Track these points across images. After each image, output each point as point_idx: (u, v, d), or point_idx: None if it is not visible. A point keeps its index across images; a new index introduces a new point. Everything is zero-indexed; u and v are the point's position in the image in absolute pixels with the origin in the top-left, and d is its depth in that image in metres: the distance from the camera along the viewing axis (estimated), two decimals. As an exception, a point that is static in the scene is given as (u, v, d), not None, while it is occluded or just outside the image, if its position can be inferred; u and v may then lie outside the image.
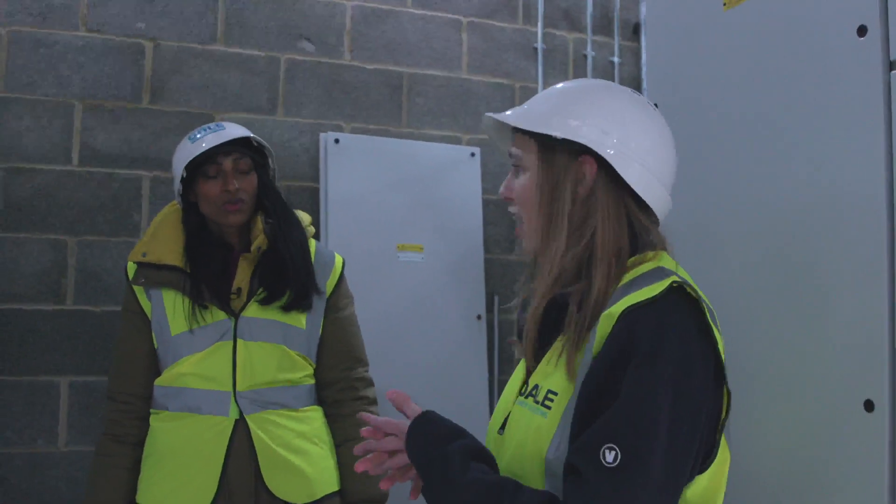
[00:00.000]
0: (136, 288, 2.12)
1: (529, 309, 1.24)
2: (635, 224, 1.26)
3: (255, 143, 2.17)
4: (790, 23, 1.90)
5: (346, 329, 2.23)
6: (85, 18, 3.34)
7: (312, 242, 2.23)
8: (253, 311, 2.10)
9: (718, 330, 1.19)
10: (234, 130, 2.13)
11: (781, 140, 1.90)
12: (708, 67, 2.13)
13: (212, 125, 2.12)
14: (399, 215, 3.64)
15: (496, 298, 3.85)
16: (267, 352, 2.10)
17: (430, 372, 3.53)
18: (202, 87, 3.50)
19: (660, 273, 1.21)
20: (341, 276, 2.24)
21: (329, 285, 2.21)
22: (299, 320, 2.14)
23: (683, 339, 1.13)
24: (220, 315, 2.09)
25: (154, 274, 2.12)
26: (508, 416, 1.31)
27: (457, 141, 3.89)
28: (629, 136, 1.25)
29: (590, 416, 1.12)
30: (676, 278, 1.18)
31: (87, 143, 3.32)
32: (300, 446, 2.14)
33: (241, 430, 2.08)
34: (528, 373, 1.30)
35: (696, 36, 2.17)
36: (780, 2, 1.94)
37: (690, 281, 1.23)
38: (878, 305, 1.65)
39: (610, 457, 1.06)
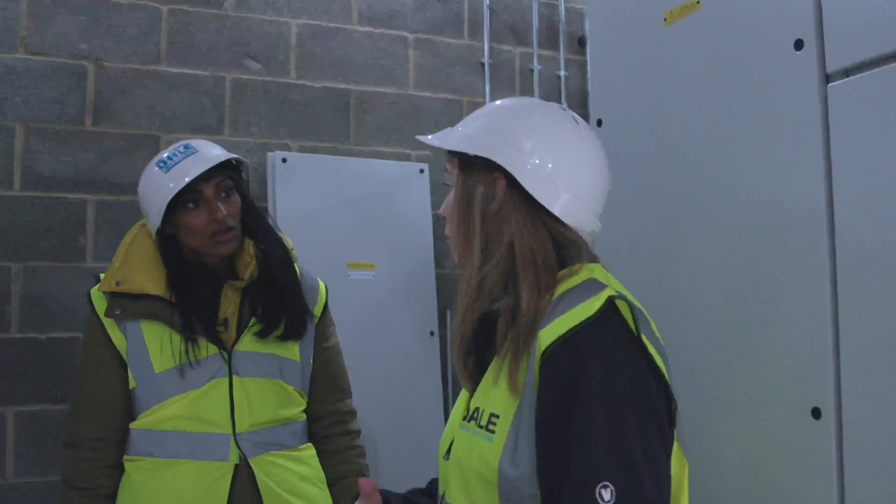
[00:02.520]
0: (105, 320, 1.95)
1: (453, 326, 1.26)
2: (557, 238, 1.25)
3: (235, 162, 2.03)
4: (729, 37, 1.91)
5: (334, 359, 2.14)
6: (25, 41, 3.30)
7: (296, 267, 2.13)
8: (247, 344, 1.98)
9: (657, 338, 1.19)
10: (210, 152, 1.98)
11: (724, 154, 1.91)
12: (650, 82, 2.13)
13: (181, 148, 1.96)
14: (349, 233, 3.61)
15: (449, 313, 3.85)
16: (264, 388, 1.98)
17: (383, 389, 3.51)
18: (148, 108, 3.48)
19: (593, 286, 1.19)
20: (326, 302, 2.15)
21: (317, 312, 2.12)
22: (293, 352, 2.04)
23: (630, 357, 1.12)
24: (212, 350, 1.95)
25: (132, 305, 1.94)
26: (453, 441, 1.30)
27: (406, 157, 3.89)
28: (555, 158, 1.25)
29: (553, 447, 1.11)
30: (612, 291, 1.17)
31: (29, 166, 3.28)
32: (304, 490, 2.03)
33: (242, 476, 1.94)
34: (472, 396, 1.29)
35: (638, 51, 2.17)
36: (720, 17, 1.94)
37: (624, 291, 1.22)
38: (822, 313, 1.66)
39: (607, 495, 1.06)
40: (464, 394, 1.34)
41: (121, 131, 3.43)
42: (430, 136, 1.34)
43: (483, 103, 4.01)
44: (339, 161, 3.70)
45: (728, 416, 1.84)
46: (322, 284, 2.16)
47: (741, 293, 1.84)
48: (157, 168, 1.95)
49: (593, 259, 1.28)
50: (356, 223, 3.64)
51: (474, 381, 1.26)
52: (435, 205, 3.85)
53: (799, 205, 1.72)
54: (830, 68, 1.68)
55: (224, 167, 1.98)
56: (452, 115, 4.00)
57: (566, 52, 4.18)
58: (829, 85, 1.68)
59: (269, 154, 3.61)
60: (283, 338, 2.00)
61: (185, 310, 1.93)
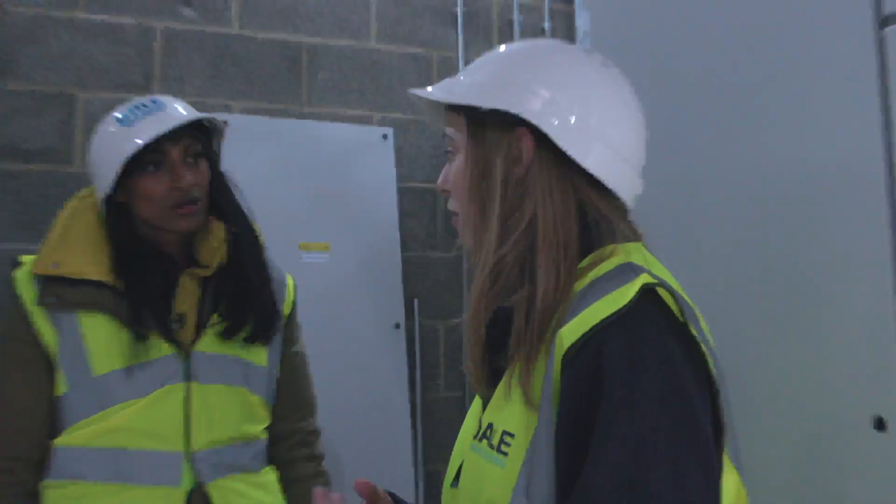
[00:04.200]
0: (34, 309, 1.84)
1: (464, 319, 1.21)
2: (590, 212, 1.21)
3: (208, 124, 1.97)
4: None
5: (301, 368, 2.11)
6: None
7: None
8: (208, 344, 1.92)
9: (706, 336, 1.16)
10: (178, 110, 1.92)
11: (759, 110, 1.89)
12: (660, 27, 2.12)
13: (146, 101, 1.91)
14: (300, 209, 3.64)
15: (416, 303, 3.86)
16: (227, 398, 1.92)
17: (341, 392, 3.52)
18: (61, 61, 3.42)
19: (626, 272, 1.15)
20: (295, 300, 2.11)
21: (285, 310, 2.07)
22: (260, 356, 1.99)
23: (666, 361, 1.07)
24: (166, 349, 1.87)
25: (69, 292, 1.85)
26: (462, 464, 1.25)
27: (367, 121, 3.89)
28: (583, 104, 1.22)
29: (574, 475, 1.06)
30: (648, 277, 1.12)
31: (-81, 128, 3.30)
32: None
33: None
34: (485, 407, 1.25)
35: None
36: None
37: (668, 277, 1.18)
38: (883, 303, 1.62)
39: None
40: (477, 403, 1.31)
41: (27, 88, 3.38)
42: (428, 88, 1.30)
43: (455, 58, 4.03)
44: (288, 125, 3.72)
45: (774, 428, 1.83)
46: (290, 280, 2.13)
47: (783, 281, 1.81)
48: (115, 121, 1.90)
49: (631, 237, 1.24)
50: (309, 198, 3.67)
51: (489, 389, 1.23)
52: (401, 176, 3.86)
53: (851, 169, 1.69)
54: (888, 10, 1.67)
55: (194, 129, 1.94)
56: (420, 72, 3.99)
57: (550, 2, 4.21)
58: (886, 29, 1.67)
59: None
60: (250, 340, 1.96)
61: (134, 299, 1.86)
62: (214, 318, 1.93)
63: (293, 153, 3.65)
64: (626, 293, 1.10)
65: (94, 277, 1.86)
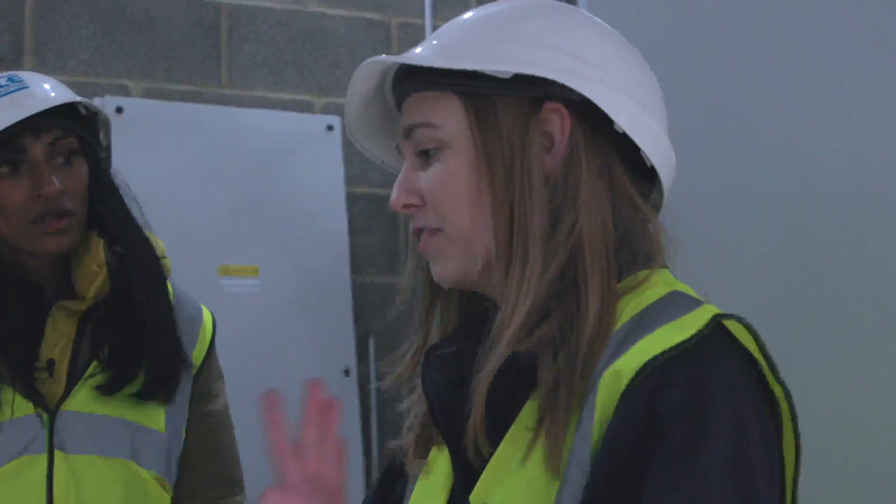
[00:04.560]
0: None
1: (481, 375, 1.17)
2: (625, 213, 1.22)
3: (84, 111, 1.94)
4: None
5: (220, 432, 2.06)
6: None
7: (168, 286, 2.05)
8: (82, 401, 1.89)
9: (779, 378, 1.16)
10: (44, 90, 1.91)
11: (802, 98, 2.02)
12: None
13: (3, 79, 1.89)
14: (220, 222, 3.57)
15: (371, 342, 3.85)
16: (105, 473, 1.89)
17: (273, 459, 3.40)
18: None
19: (682, 300, 1.16)
20: (213, 341, 2.08)
21: (196, 358, 2.03)
22: (156, 419, 1.95)
23: (732, 404, 1.09)
24: (23, 408, 1.86)
25: None
26: None
27: (306, 108, 3.87)
28: (610, 60, 1.24)
29: None
30: (715, 309, 1.13)
31: None
32: None
33: None
34: (466, 481, 1.22)
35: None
36: None
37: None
38: None
39: None
40: (436, 477, 1.29)
41: None
42: (417, 49, 1.26)
43: (421, 25, 4.05)
44: (202, 112, 3.67)
45: (851, 454, 1.98)
46: (208, 315, 2.09)
47: (843, 287, 1.96)
48: None
49: (658, 249, 1.25)
50: (231, 208, 3.59)
51: (479, 458, 1.21)
52: (351, 179, 3.83)
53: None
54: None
55: (67, 118, 1.89)
56: (376, 42, 4.02)
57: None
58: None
59: (96, 100, 3.36)
60: (142, 396, 1.91)
61: None
62: (93, 366, 1.89)
63: (210, 149, 3.60)
64: (693, 322, 1.11)
65: None
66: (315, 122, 3.82)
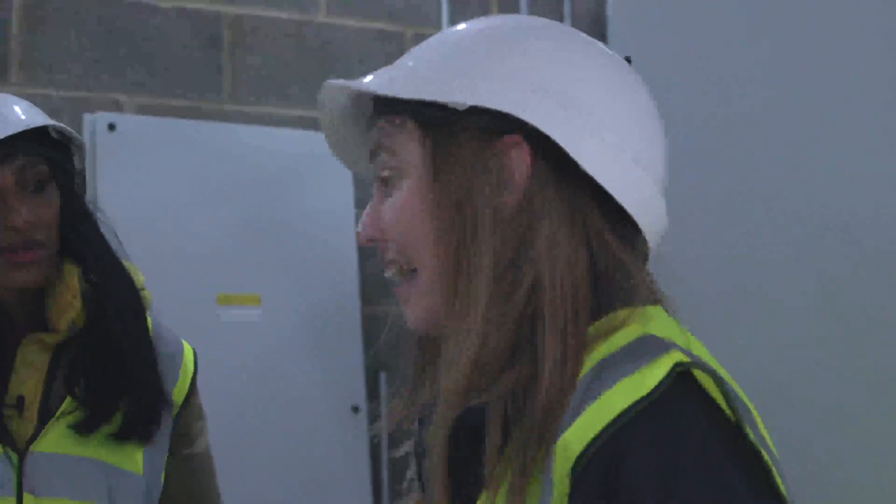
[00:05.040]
0: None
1: (430, 431, 1.18)
2: (601, 257, 1.20)
3: (56, 135, 1.90)
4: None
5: (201, 476, 2.04)
6: None
7: (148, 319, 2.02)
8: (54, 441, 1.86)
9: (764, 438, 1.14)
10: (13, 113, 1.88)
11: (838, 122, 2.00)
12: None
13: None
14: (220, 247, 3.53)
15: (383, 378, 3.82)
16: None
17: (279, 501, 3.43)
18: None
19: (647, 346, 1.13)
20: (194, 378, 2.03)
21: (177, 398, 1.98)
22: (134, 460, 1.91)
23: (707, 465, 1.05)
24: None
25: None
26: None
27: (314, 125, 3.66)
28: (589, 96, 1.22)
29: None
30: (680, 355, 1.09)
31: None
32: None
33: None
34: None
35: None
36: None
37: (705, 354, 1.18)
38: None
39: None
40: None
41: None
42: (367, 78, 1.26)
43: None
44: (203, 128, 3.64)
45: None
46: (189, 350, 2.05)
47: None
48: None
49: (650, 297, 1.22)
50: (232, 231, 3.55)
51: None
52: (361, 202, 3.78)
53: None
54: None
55: (37, 142, 1.86)
56: (388, 55, 3.84)
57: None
58: None
59: (87, 117, 3.50)
60: (120, 436, 1.87)
61: None
62: (67, 403, 1.85)
63: (210, 168, 3.57)
64: (650, 376, 1.07)
65: None
66: (323, 141, 3.52)
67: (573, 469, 1.05)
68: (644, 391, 1.05)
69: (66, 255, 1.89)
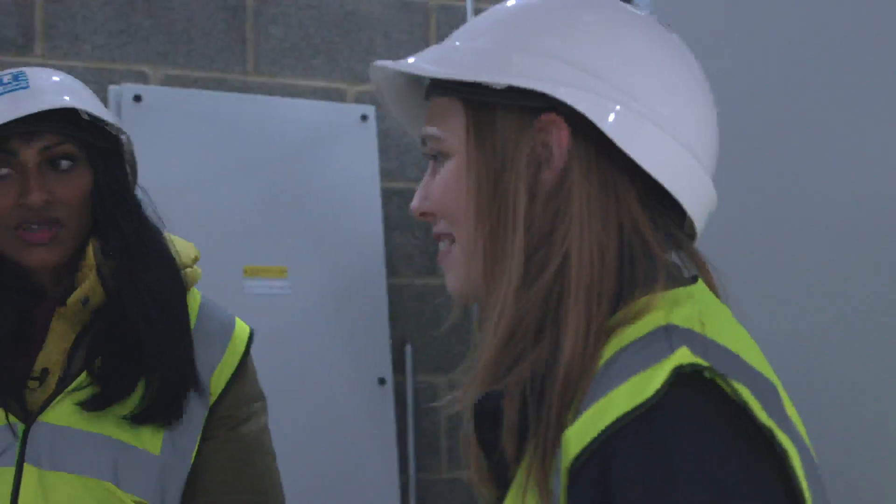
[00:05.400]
0: None
1: (462, 398, 1.22)
2: (630, 241, 1.21)
3: (87, 117, 1.92)
4: None
5: (251, 460, 2.02)
6: None
7: (195, 295, 2.06)
8: (62, 413, 1.89)
9: (799, 434, 1.15)
10: (46, 91, 1.91)
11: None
12: None
13: (6, 77, 1.92)
14: (246, 219, 3.54)
15: (408, 350, 3.82)
16: (78, 493, 1.88)
17: (305, 473, 3.30)
18: None
19: (659, 341, 1.12)
20: (243, 361, 2.05)
21: (217, 380, 2.00)
22: (152, 440, 1.93)
23: (703, 469, 1.04)
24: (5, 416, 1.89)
25: None
26: None
27: (339, 96, 3.84)
28: (629, 76, 1.23)
29: None
30: (688, 355, 1.08)
31: None
32: None
33: None
34: None
35: None
36: None
37: (740, 341, 1.17)
38: None
39: None
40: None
41: None
42: (410, 59, 1.29)
43: (462, 7, 4.02)
44: (227, 100, 3.64)
45: None
46: (241, 330, 2.08)
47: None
48: None
49: (679, 280, 1.23)
50: (257, 203, 3.55)
51: (498, 487, 1.23)
52: (387, 173, 3.80)
53: None
54: None
55: (68, 121, 1.89)
56: (413, 25, 3.98)
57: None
58: None
59: (113, 88, 3.49)
60: (136, 420, 1.88)
61: None
62: (80, 378, 1.88)
63: (234, 140, 3.56)
64: (654, 378, 1.07)
65: None
66: (348, 112, 3.75)
67: (571, 466, 1.06)
68: (644, 396, 1.05)
69: (96, 234, 1.94)
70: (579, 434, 1.07)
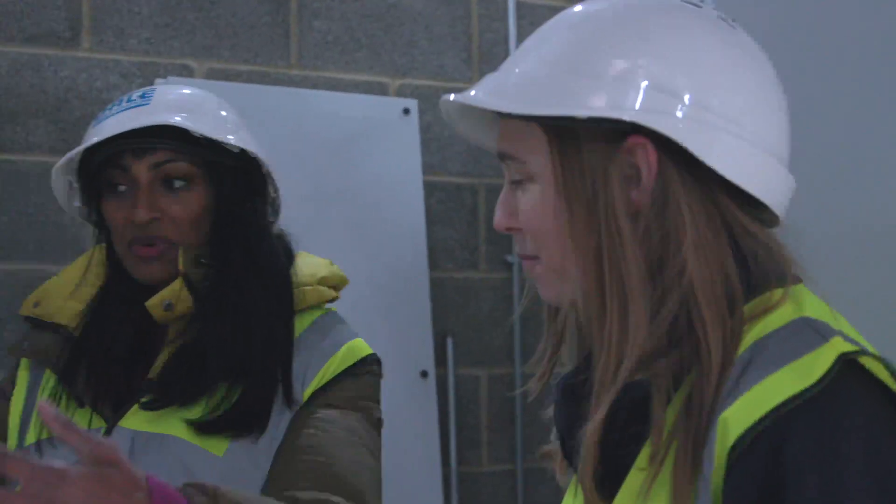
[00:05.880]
0: (22, 360, 2.03)
1: (588, 426, 1.20)
2: (742, 239, 1.22)
3: (200, 136, 1.93)
4: None
5: (335, 437, 1.92)
6: None
7: (314, 313, 2.02)
8: (138, 418, 1.88)
9: None
10: (161, 108, 1.93)
11: None
12: None
13: (139, 93, 1.95)
14: (288, 213, 3.50)
15: (450, 343, 3.82)
16: None
17: None
18: None
19: (805, 331, 1.15)
20: (338, 378, 1.96)
21: (307, 393, 1.95)
22: (216, 442, 1.90)
23: (874, 453, 1.06)
24: (95, 423, 1.90)
25: (38, 338, 1.99)
26: None
27: (380, 90, 3.83)
28: (707, 88, 1.23)
29: None
30: (844, 343, 1.11)
31: None
32: None
33: None
34: None
35: None
36: None
37: (857, 336, 1.18)
38: None
39: None
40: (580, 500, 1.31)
41: None
42: (473, 92, 1.30)
43: (504, 2, 4.03)
44: (270, 94, 3.65)
45: None
46: (349, 348, 1.99)
47: None
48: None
49: (786, 275, 1.23)
50: (299, 197, 3.51)
51: (604, 496, 1.24)
52: (429, 167, 3.81)
53: None
54: None
55: (189, 140, 1.90)
56: (455, 18, 3.96)
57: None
58: None
59: (159, 82, 3.50)
60: (202, 429, 1.87)
61: (78, 351, 1.93)
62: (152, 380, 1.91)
63: (277, 134, 3.52)
64: (817, 364, 1.09)
65: (60, 320, 1.96)
66: (390, 106, 3.74)
67: (731, 449, 1.08)
68: (811, 380, 1.07)
69: (214, 262, 1.92)
70: (740, 416, 1.09)
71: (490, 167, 3.85)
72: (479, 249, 3.87)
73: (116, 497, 1.31)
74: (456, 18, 3.94)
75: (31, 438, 1.93)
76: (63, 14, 3.45)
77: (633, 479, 1.19)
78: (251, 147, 1.98)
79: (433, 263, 3.76)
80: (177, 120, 1.89)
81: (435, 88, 3.85)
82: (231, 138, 1.96)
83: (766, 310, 1.18)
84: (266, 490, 1.91)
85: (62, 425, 1.29)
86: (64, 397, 1.92)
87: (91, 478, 1.31)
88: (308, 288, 2.02)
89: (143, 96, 1.94)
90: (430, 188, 3.77)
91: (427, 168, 3.77)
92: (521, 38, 3.95)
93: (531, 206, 1.28)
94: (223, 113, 2.02)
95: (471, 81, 3.90)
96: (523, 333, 3.88)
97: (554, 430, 1.33)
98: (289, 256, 2.08)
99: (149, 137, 1.88)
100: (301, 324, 1.99)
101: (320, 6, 3.78)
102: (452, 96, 1.31)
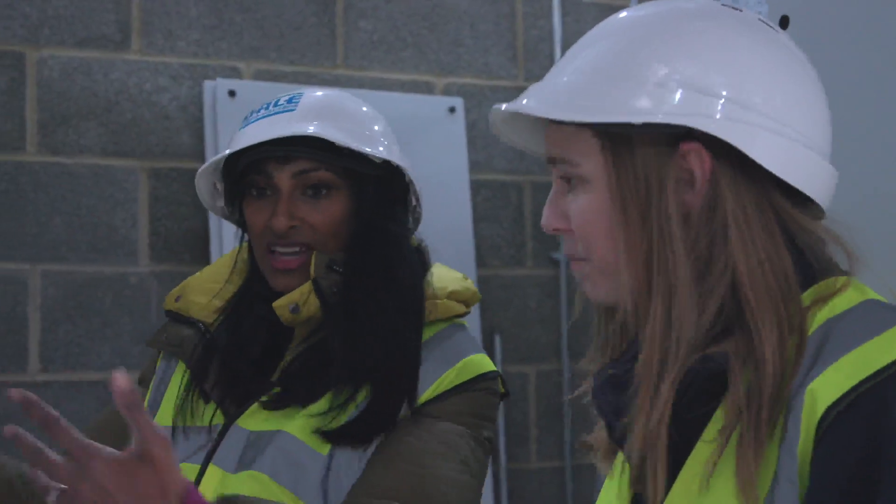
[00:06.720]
0: (156, 348, 2.13)
1: (652, 414, 1.20)
2: (798, 235, 1.24)
3: (350, 149, 1.92)
4: None
5: (433, 450, 1.88)
6: None
7: (437, 327, 1.99)
8: (256, 417, 1.91)
9: None
10: (301, 116, 1.94)
11: None
12: None
13: (285, 96, 1.97)
14: None
15: (497, 340, 3.83)
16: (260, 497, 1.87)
17: None
18: (4, 9, 3.43)
19: (883, 309, 1.18)
20: (449, 392, 1.92)
21: (419, 402, 1.94)
22: (324, 443, 1.90)
23: None
24: (218, 418, 1.95)
25: (175, 331, 2.06)
26: None
27: (426, 89, 3.87)
28: (746, 87, 1.25)
29: None
30: None
31: None
32: None
33: None
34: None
35: None
36: None
37: None
38: None
39: None
40: (623, 483, 1.33)
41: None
42: (525, 101, 1.31)
43: (548, 1, 4.05)
44: None
45: None
46: (465, 364, 1.95)
47: None
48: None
49: (841, 265, 1.26)
50: None
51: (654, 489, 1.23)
52: (475, 165, 3.84)
53: None
54: None
55: (330, 149, 1.92)
56: (500, 17, 3.97)
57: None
58: None
59: (207, 84, 3.58)
60: (331, 437, 1.85)
61: (211, 348, 1.98)
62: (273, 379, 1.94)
63: None
64: None
65: (196, 315, 2.02)
66: (436, 104, 3.77)
67: (821, 419, 1.10)
68: None
69: (349, 274, 1.92)
70: (831, 385, 1.11)
71: (536, 164, 3.84)
72: (526, 246, 3.88)
73: (136, 493, 1.30)
74: (501, 16, 3.95)
75: (161, 424, 1.96)
76: (113, 17, 3.49)
77: (700, 452, 1.19)
78: (394, 157, 1.98)
79: (480, 261, 3.77)
80: (319, 131, 1.91)
81: (480, 87, 3.88)
82: (373, 149, 1.95)
83: (831, 294, 1.19)
84: (353, 488, 1.89)
85: (128, 403, 1.28)
86: (193, 391, 1.96)
87: (120, 467, 1.30)
88: (438, 301, 2.01)
89: (290, 100, 1.96)
90: (476, 186, 3.79)
91: (473, 166, 3.80)
92: (565, 36, 3.99)
93: (583, 209, 1.29)
94: (371, 122, 2.03)
95: (516, 79, 3.93)
96: (570, 330, 3.85)
97: (598, 419, 1.34)
98: (424, 267, 2.07)
99: (292, 145, 1.90)
100: (425, 334, 1.98)
101: (366, 6, 3.81)
102: (504, 106, 1.31)
